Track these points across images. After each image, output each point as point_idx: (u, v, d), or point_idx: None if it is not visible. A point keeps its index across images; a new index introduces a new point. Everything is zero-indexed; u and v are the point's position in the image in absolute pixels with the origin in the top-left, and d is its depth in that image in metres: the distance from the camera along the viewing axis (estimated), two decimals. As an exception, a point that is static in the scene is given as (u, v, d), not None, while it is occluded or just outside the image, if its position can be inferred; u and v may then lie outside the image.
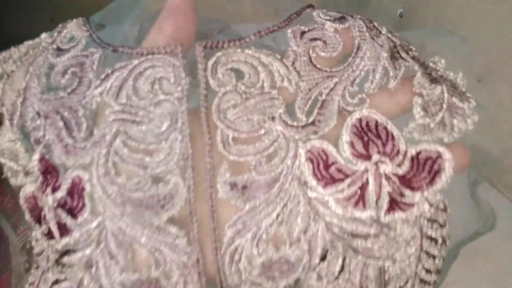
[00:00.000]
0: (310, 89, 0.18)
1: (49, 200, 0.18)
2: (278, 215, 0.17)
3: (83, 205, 0.17)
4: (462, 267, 0.52)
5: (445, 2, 0.60)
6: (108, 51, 0.19)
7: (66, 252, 0.17)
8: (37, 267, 0.20)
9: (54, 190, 0.18)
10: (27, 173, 0.20)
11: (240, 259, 0.17)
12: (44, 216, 0.18)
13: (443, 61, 0.20)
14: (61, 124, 0.18)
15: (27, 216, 0.20)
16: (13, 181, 0.20)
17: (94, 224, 0.17)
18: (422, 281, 0.20)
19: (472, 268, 0.51)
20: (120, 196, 0.17)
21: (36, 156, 0.18)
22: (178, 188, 0.17)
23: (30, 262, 0.23)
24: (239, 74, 0.18)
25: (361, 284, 0.18)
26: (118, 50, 0.19)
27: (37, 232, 0.20)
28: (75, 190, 0.17)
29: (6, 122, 0.20)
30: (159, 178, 0.17)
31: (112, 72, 0.18)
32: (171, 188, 0.17)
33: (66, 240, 0.17)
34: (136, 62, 0.18)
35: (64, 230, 0.17)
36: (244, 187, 0.17)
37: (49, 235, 0.18)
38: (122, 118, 0.17)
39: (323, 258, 0.17)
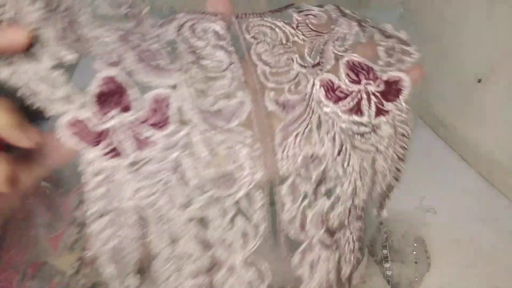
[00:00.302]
0: (311, 42, 0.26)
1: (117, 120, 0.20)
2: (308, 123, 0.25)
3: (168, 118, 0.21)
4: (462, 267, 0.52)
5: (445, 2, 0.60)
6: (156, 10, 0.24)
7: (146, 162, 0.21)
8: (97, 187, 0.21)
9: (125, 109, 0.20)
10: (68, 99, 0.20)
11: (288, 155, 0.24)
12: (105, 136, 0.20)
13: (390, 25, 0.29)
14: (140, 50, 0.21)
15: (73, 141, 0.20)
16: (49, 110, 0.19)
17: (182, 133, 0.21)
18: (397, 169, 0.29)
19: (472, 267, 0.51)
20: (201, 109, 0.22)
21: (102, 75, 0.20)
22: (243, 101, 0.23)
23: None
24: (264, 34, 0.26)
25: (360, 175, 0.27)
26: (164, 8, 0.24)
27: (92, 154, 0.21)
28: (160, 106, 0.21)
29: (46, 51, 0.19)
30: (228, 95, 0.23)
31: (172, 19, 0.23)
32: (238, 101, 0.23)
33: (145, 152, 0.21)
34: (191, 16, 0.24)
35: (143, 143, 0.21)
36: (284, 104, 0.24)
37: (112, 153, 0.21)
38: (191, 56, 0.23)
39: (339, 152, 0.25)
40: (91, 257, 0.23)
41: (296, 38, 0.26)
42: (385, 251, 0.50)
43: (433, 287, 0.49)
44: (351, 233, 0.29)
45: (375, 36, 0.28)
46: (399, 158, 0.28)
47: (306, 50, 0.26)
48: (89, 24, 0.21)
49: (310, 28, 0.27)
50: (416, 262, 0.50)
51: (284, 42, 0.26)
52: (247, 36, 0.25)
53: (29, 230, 0.25)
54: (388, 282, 0.49)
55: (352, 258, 0.30)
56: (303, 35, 0.26)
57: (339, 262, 0.29)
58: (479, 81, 0.57)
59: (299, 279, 0.27)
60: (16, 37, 0.18)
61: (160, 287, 0.24)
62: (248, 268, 0.25)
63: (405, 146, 0.28)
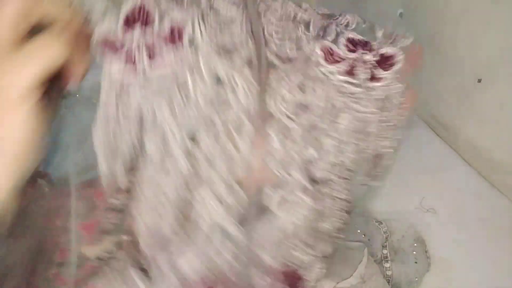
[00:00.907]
0: (317, 21, 0.29)
1: (137, 31, 0.23)
2: (304, 76, 0.27)
3: (182, 37, 0.24)
4: (462, 267, 0.52)
5: (445, 2, 0.60)
6: None
7: (156, 79, 0.24)
8: (111, 93, 0.24)
9: (146, 24, 0.23)
10: (105, 13, 0.22)
11: (280, 97, 0.27)
12: (124, 45, 0.23)
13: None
14: None
15: (103, 53, 0.23)
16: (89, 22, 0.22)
17: (191, 52, 0.24)
18: (387, 138, 0.31)
19: (472, 267, 0.51)
20: (210, 39, 0.25)
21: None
22: (247, 42, 0.26)
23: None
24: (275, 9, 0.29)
25: (354, 135, 0.30)
26: None
27: (113, 65, 0.24)
28: (176, 28, 0.24)
29: None
30: (234, 38, 0.26)
31: None
32: (243, 42, 0.26)
33: (156, 66, 0.24)
34: None
35: (156, 53, 0.24)
36: (283, 58, 0.28)
37: (127, 59, 0.23)
38: (207, 2, 0.25)
39: (331, 107, 0.28)
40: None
41: (303, 16, 0.30)
42: (385, 251, 0.50)
43: (433, 287, 0.50)
44: (337, 191, 0.32)
45: (375, 26, 0.31)
46: (391, 125, 0.32)
47: (311, 24, 0.30)
48: None
49: (317, 13, 0.31)
50: (416, 262, 0.50)
51: (292, 16, 0.29)
52: (261, 3, 0.28)
53: (55, 220, 0.27)
54: (388, 282, 0.49)
55: (335, 215, 0.33)
56: (310, 16, 0.30)
57: (321, 213, 0.32)
58: (479, 81, 0.57)
59: (277, 217, 0.31)
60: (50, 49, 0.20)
61: (147, 190, 0.27)
62: (229, 192, 0.28)
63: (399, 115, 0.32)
